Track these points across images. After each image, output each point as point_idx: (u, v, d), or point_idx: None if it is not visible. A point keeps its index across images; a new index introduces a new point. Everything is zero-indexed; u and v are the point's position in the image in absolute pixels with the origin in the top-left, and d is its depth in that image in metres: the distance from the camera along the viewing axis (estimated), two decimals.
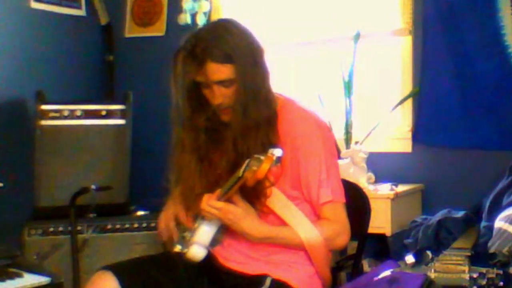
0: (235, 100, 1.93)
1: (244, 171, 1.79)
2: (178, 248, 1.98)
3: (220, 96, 1.95)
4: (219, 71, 1.92)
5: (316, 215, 2.02)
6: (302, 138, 1.97)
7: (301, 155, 1.97)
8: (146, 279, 1.97)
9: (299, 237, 1.96)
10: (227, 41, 1.92)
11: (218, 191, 1.90)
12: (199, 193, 1.97)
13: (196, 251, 1.92)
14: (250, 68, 1.93)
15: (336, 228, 2.00)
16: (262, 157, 1.77)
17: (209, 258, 2.00)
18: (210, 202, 1.90)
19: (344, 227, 2.01)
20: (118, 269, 1.96)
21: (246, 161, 1.80)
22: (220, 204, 1.89)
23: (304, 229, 1.96)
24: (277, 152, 1.78)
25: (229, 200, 1.90)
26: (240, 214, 1.91)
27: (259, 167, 1.75)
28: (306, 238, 1.96)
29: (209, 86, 1.96)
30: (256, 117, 1.93)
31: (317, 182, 1.97)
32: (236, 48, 1.91)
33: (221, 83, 1.94)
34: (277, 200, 1.96)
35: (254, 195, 1.93)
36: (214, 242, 1.96)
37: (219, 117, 2.00)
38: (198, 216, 1.99)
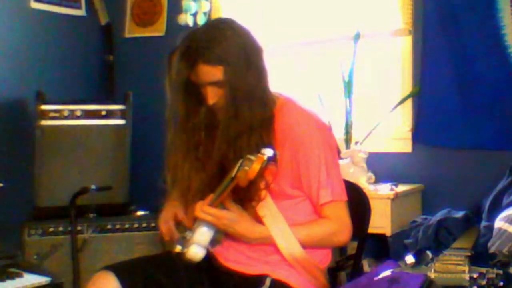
0: (226, 102, 1.92)
1: (237, 172, 1.79)
2: (178, 248, 1.99)
3: (214, 96, 1.94)
4: (210, 73, 1.91)
5: (317, 214, 2.02)
6: (302, 139, 1.97)
7: (301, 156, 1.96)
8: (147, 279, 1.97)
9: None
10: (219, 43, 1.90)
11: (211, 196, 1.90)
12: (195, 191, 1.98)
13: (196, 251, 1.92)
14: (242, 70, 1.91)
15: (335, 226, 2.00)
16: (253, 158, 1.78)
17: (209, 258, 2.00)
18: (203, 209, 1.90)
19: (344, 225, 2.01)
20: (119, 270, 1.96)
21: (239, 162, 1.81)
22: (213, 211, 1.89)
23: (287, 243, 1.96)
24: (268, 152, 1.79)
25: (222, 204, 1.90)
26: (234, 218, 1.91)
27: (250, 167, 1.76)
28: (289, 252, 1.96)
29: (203, 86, 1.95)
30: (250, 119, 1.91)
31: (317, 183, 1.97)
32: (227, 51, 1.89)
33: (214, 84, 1.93)
34: (267, 209, 1.96)
35: (247, 197, 1.93)
36: (214, 242, 1.97)
37: (215, 115, 1.99)
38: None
